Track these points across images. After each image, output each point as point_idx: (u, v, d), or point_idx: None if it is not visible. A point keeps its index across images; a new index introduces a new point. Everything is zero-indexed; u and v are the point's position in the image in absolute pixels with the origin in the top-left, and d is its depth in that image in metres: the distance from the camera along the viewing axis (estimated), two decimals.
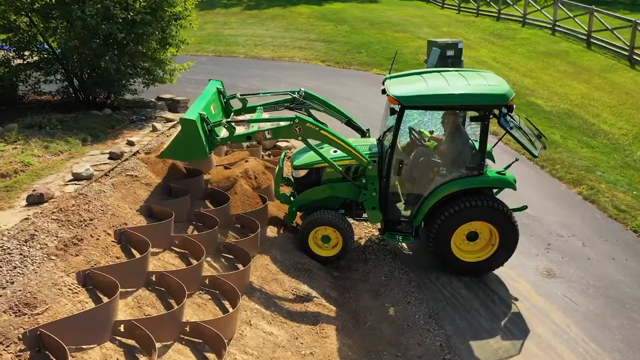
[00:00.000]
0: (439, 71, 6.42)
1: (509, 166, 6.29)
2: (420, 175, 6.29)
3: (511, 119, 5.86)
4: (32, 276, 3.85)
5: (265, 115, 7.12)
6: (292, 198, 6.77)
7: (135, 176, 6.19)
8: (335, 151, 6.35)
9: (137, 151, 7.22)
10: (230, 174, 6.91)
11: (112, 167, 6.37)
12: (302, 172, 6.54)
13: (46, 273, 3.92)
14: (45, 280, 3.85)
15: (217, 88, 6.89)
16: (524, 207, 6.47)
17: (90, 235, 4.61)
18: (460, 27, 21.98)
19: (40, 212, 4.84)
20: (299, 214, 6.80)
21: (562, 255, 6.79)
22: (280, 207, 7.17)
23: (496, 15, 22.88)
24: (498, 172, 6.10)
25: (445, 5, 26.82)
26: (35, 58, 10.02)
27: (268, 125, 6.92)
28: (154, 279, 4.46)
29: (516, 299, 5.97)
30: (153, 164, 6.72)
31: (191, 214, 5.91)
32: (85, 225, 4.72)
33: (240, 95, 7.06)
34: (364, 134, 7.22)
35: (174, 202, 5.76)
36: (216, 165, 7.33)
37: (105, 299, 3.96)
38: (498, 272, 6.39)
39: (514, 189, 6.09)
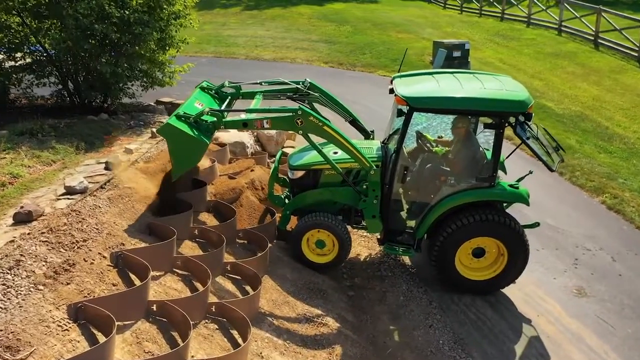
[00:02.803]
0: (452, 72, 5.97)
1: (522, 178, 5.84)
2: (425, 183, 5.85)
3: (528, 128, 5.40)
4: (16, 311, 3.38)
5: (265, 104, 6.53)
6: (286, 200, 6.30)
7: (134, 188, 5.72)
8: (335, 152, 5.89)
9: (136, 160, 6.74)
10: (235, 185, 6.45)
11: (108, 178, 5.89)
12: (299, 173, 6.06)
13: (32, 307, 3.45)
14: (31, 316, 3.38)
15: (200, 87, 6.36)
16: (536, 224, 6.00)
17: (84, 259, 4.14)
18: (464, 27, 21.59)
19: (28, 233, 4.36)
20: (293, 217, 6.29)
21: (592, 271, 6.35)
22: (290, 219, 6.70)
23: (499, 15, 22.51)
24: (510, 185, 5.65)
25: (447, 6, 26.44)
26: (28, 60, 9.51)
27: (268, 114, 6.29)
28: (154, 309, 3.99)
29: (547, 322, 5.52)
30: (152, 174, 6.25)
31: (194, 231, 5.44)
32: (78, 248, 4.24)
33: (229, 82, 6.51)
34: (368, 135, 6.72)
35: (175, 218, 5.29)
36: (220, 175, 6.87)
37: (99, 336, 3.49)
38: (525, 290, 5.94)
39: (527, 204, 5.64)
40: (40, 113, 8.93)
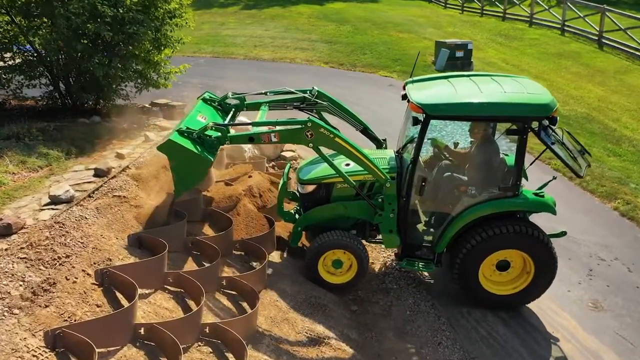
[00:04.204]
0: (467, 75, 5.64)
1: (545, 185, 5.51)
2: (444, 194, 5.50)
3: (553, 133, 5.07)
4: None
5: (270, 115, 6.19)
6: (297, 216, 5.97)
7: (124, 197, 5.39)
8: (347, 164, 5.57)
9: (127, 166, 6.40)
10: (232, 192, 6.12)
11: (97, 186, 5.56)
12: (310, 188, 5.73)
13: (5, 334, 3.12)
14: (4, 345, 3.05)
15: (202, 98, 6.02)
16: (563, 233, 5.66)
17: (66, 277, 3.81)
18: (466, 27, 21.30)
19: (6, 249, 4.03)
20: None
21: (608, 283, 6.03)
22: (288, 228, 6.37)
23: (501, 15, 22.23)
24: (535, 193, 5.31)
25: (448, 5, 26.16)
26: (18, 60, 9.17)
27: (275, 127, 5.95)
28: (142, 333, 3.66)
29: (563, 338, 5.19)
30: (144, 181, 5.92)
31: (188, 242, 5.11)
32: (60, 265, 3.91)
33: (233, 94, 6.16)
34: (380, 144, 6.41)
35: (167, 229, 4.96)
36: (216, 182, 6.54)
37: None
38: (538, 303, 5.61)
39: (554, 213, 5.31)
40: (30, 115, 8.59)
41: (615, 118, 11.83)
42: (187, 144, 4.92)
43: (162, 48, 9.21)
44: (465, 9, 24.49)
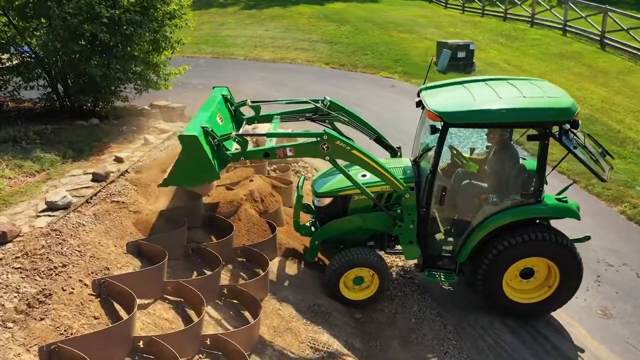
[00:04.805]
0: (483, 80, 5.49)
1: (565, 189, 5.38)
2: (464, 203, 5.35)
3: (574, 137, 4.94)
4: None
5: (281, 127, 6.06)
6: (312, 228, 5.84)
7: (123, 202, 5.27)
8: (364, 175, 5.41)
9: (126, 170, 6.27)
10: (233, 197, 5.98)
11: (95, 191, 5.44)
12: (326, 201, 5.59)
13: None
14: None
15: (223, 95, 5.82)
16: (587, 238, 5.51)
17: (62, 288, 3.68)
18: (467, 27, 21.18)
19: (0, 259, 3.90)
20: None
21: (616, 290, 5.92)
22: (291, 233, 6.26)
23: (502, 15, 22.11)
24: (558, 199, 5.18)
25: (448, 5, 26.04)
26: (15, 61, 9.03)
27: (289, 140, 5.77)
28: (141, 346, 3.54)
29: (572, 348, 5.08)
30: (144, 186, 5.80)
31: (188, 249, 4.99)
32: (56, 274, 3.79)
33: (252, 102, 6.05)
34: (395, 153, 6.24)
35: (167, 236, 4.84)
36: (217, 185, 6.41)
37: None
38: None
39: (578, 218, 5.18)
40: (27, 118, 8.47)
41: (619, 119, 11.72)
42: (207, 148, 4.69)
43: (162, 49, 9.09)
44: (465, 9, 24.37)
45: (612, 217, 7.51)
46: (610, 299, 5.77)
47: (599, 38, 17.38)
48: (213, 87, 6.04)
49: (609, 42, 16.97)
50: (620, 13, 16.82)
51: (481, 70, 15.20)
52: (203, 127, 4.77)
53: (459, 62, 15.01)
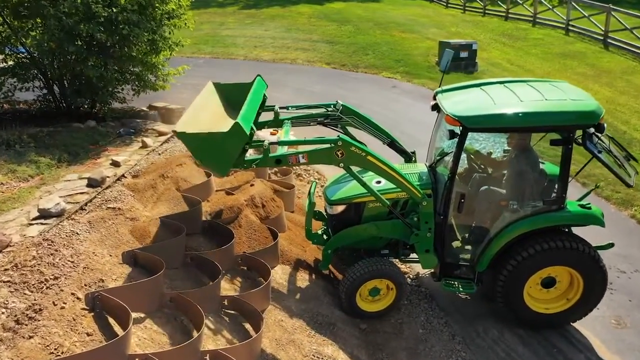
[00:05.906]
0: (501, 82, 5.25)
1: (587, 195, 5.17)
2: (483, 209, 5.15)
3: (599, 141, 4.72)
4: None
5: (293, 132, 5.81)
6: (324, 237, 5.64)
7: (119, 209, 5.07)
8: (378, 182, 5.22)
9: (123, 174, 6.09)
10: (233, 203, 5.79)
11: (90, 197, 5.24)
12: (339, 208, 5.39)
13: None
14: None
15: (264, 95, 5.67)
16: (610, 245, 5.32)
17: (53, 302, 3.49)
18: (468, 27, 20.99)
19: None
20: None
21: (630, 297, 5.73)
22: (293, 240, 6.07)
23: (504, 14, 21.93)
24: (581, 205, 4.98)
25: (449, 5, 25.86)
26: (10, 62, 8.84)
27: (302, 147, 5.52)
28: None
29: (586, 359, 4.89)
30: (141, 191, 5.60)
31: (187, 258, 4.79)
32: (47, 288, 3.59)
33: (280, 107, 5.79)
34: (410, 158, 6.05)
35: (165, 244, 4.64)
36: (217, 190, 6.22)
37: None
38: None
39: (603, 225, 4.98)
40: (22, 120, 8.28)
41: (624, 120, 11.55)
42: (240, 148, 4.49)
43: (160, 50, 8.89)
44: (467, 8, 24.19)
45: (622, 222, 7.32)
46: (624, 308, 5.58)
47: (602, 38, 17.21)
48: (257, 76, 5.74)
49: (612, 41, 16.80)
50: (623, 12, 16.64)
51: (484, 71, 15.02)
52: (252, 129, 4.63)
53: (461, 62, 14.82)
